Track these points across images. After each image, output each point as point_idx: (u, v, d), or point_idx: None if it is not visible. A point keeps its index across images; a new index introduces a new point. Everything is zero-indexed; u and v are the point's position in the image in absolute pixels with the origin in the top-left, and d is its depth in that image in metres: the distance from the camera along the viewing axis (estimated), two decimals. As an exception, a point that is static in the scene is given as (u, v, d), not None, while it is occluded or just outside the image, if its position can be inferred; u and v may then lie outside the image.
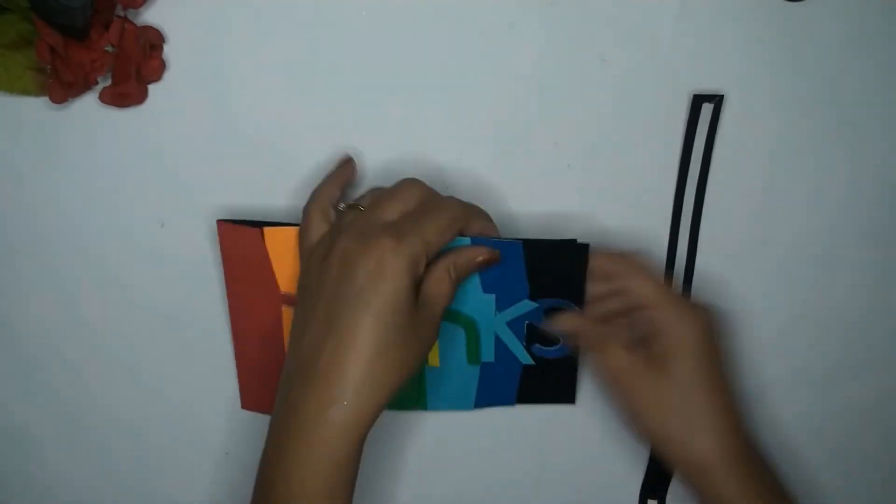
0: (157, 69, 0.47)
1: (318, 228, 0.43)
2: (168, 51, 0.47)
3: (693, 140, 0.48)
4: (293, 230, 0.45)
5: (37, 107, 0.47)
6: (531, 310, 0.47)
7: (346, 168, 0.47)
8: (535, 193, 0.49)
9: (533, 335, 0.48)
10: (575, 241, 0.46)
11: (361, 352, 0.38)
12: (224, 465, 0.51)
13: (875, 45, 0.48)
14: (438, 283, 0.42)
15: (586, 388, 0.51)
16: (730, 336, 0.50)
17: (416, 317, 0.40)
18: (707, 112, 0.48)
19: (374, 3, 0.47)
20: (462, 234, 0.43)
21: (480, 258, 0.44)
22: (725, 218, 0.49)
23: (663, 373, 0.44)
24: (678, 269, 0.50)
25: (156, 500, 0.51)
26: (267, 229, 0.46)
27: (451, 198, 0.44)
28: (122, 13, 0.46)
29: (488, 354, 0.48)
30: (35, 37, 0.44)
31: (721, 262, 0.50)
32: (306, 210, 0.44)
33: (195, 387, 0.50)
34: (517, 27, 0.48)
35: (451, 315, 0.47)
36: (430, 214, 0.42)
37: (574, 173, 0.49)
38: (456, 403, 0.49)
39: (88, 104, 0.47)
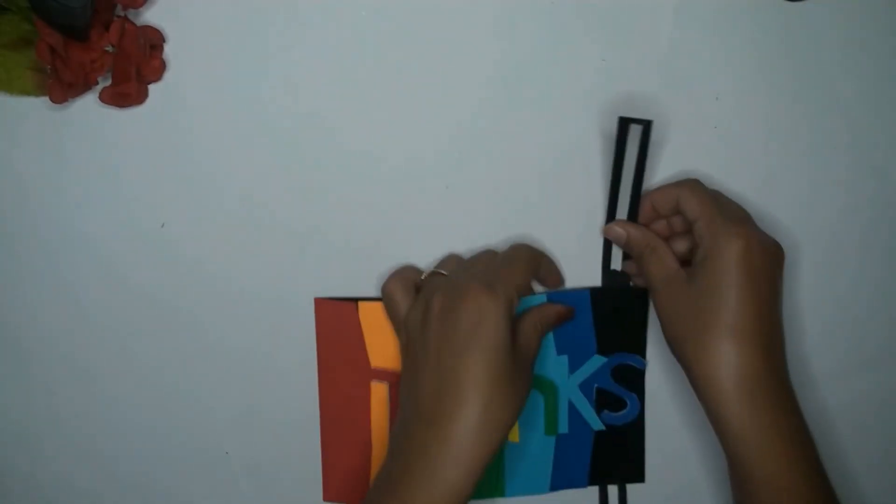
0: (157, 69, 0.47)
1: (405, 300, 0.45)
2: (168, 51, 0.47)
3: (622, 163, 0.47)
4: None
5: (37, 107, 0.47)
6: (600, 366, 0.49)
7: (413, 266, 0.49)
8: (536, 193, 0.49)
9: (602, 401, 0.50)
10: (638, 288, 0.49)
11: (478, 387, 0.40)
12: (224, 465, 0.51)
13: (875, 45, 0.48)
14: (527, 335, 0.44)
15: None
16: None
17: (517, 360, 0.42)
18: (636, 133, 0.47)
19: (374, 3, 0.47)
20: (535, 276, 0.47)
21: (560, 313, 0.47)
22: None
23: (693, 280, 0.44)
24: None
25: (156, 500, 0.51)
26: (361, 303, 0.48)
27: (517, 245, 0.48)
28: (122, 13, 0.46)
29: (563, 424, 0.49)
30: (35, 37, 0.44)
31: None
32: (385, 287, 0.46)
33: (195, 387, 0.50)
34: (518, 27, 0.48)
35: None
36: (509, 263, 0.45)
37: (576, 169, 0.49)
38: (532, 486, 0.50)
39: (88, 104, 0.47)
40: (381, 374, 0.48)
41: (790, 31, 0.48)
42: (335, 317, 0.48)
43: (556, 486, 0.50)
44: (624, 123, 0.46)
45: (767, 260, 0.44)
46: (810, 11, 0.48)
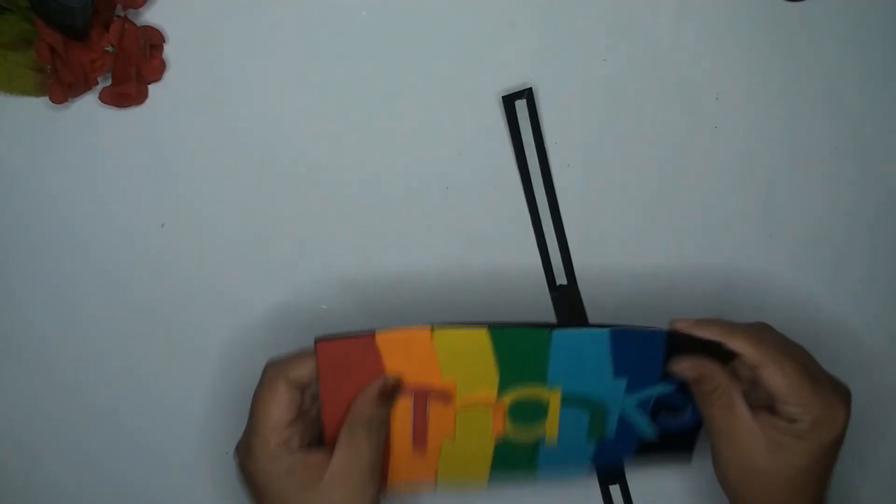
0: (157, 69, 0.47)
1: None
2: (168, 51, 0.47)
3: (521, 140, 0.47)
4: (411, 334, 0.42)
5: (37, 107, 0.47)
6: (665, 391, 0.45)
7: None
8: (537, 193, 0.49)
9: (659, 406, 0.46)
10: (720, 344, 0.43)
11: None
12: (224, 465, 0.51)
13: (875, 45, 0.48)
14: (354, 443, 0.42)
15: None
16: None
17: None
18: (522, 108, 0.47)
19: (374, 3, 0.47)
20: None
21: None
22: (724, 216, 0.49)
23: (783, 447, 0.41)
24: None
25: (156, 501, 0.51)
26: (379, 335, 0.42)
27: None
28: (122, 13, 0.46)
29: (610, 431, 0.46)
30: (35, 37, 0.44)
31: (722, 262, 0.50)
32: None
33: (195, 387, 0.50)
34: (518, 27, 0.48)
35: (577, 400, 0.45)
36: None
37: (573, 172, 0.49)
38: (571, 464, 0.47)
39: (88, 104, 0.47)
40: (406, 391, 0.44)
41: (790, 31, 0.48)
42: (346, 357, 0.42)
43: (597, 460, 0.47)
44: (509, 102, 0.47)
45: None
46: (810, 11, 0.48)
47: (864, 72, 0.49)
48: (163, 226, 0.49)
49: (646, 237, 0.50)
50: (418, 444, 0.45)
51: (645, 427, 0.46)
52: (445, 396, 0.44)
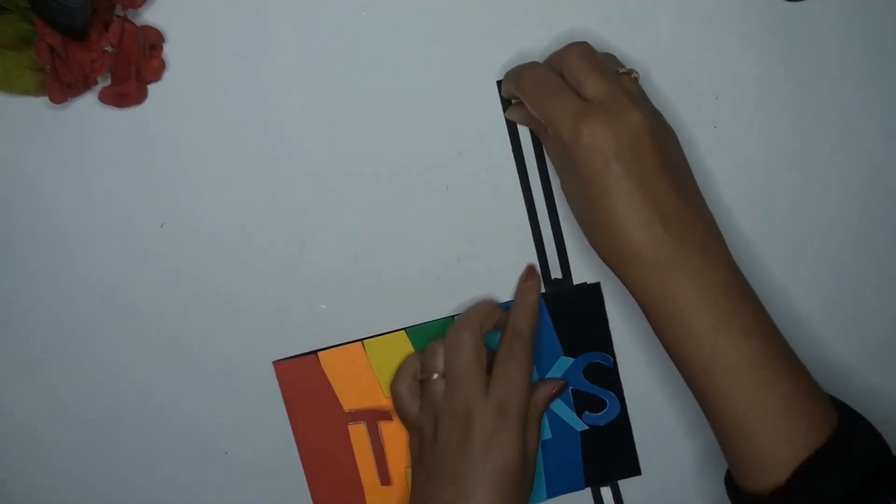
0: (156, 69, 0.47)
1: (412, 402, 0.47)
2: (168, 51, 0.47)
3: (517, 133, 0.48)
4: (347, 349, 0.49)
5: (37, 107, 0.47)
6: (569, 367, 0.49)
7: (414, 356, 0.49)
8: (538, 192, 0.49)
9: (581, 403, 0.50)
10: (589, 285, 0.49)
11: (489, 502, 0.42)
12: (224, 465, 0.51)
13: (875, 45, 0.48)
14: (531, 429, 0.45)
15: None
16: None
17: (525, 465, 0.44)
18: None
19: (374, 3, 0.47)
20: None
21: (551, 393, 0.48)
22: (723, 215, 0.49)
23: (562, 167, 0.43)
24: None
25: (156, 501, 0.51)
26: (321, 354, 0.49)
27: (517, 331, 0.46)
28: (121, 13, 0.46)
29: (545, 431, 0.49)
30: (35, 37, 0.44)
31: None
32: (392, 390, 0.48)
33: (195, 387, 0.50)
34: (520, 27, 0.48)
35: None
36: (511, 369, 0.44)
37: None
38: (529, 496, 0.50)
39: (88, 104, 0.47)
40: (356, 416, 0.49)
41: (790, 31, 0.48)
42: (298, 374, 0.49)
43: (553, 492, 0.50)
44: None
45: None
46: (810, 11, 0.48)
47: (864, 72, 0.49)
48: (162, 226, 0.49)
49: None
50: (384, 482, 0.50)
51: (573, 419, 0.49)
52: (389, 412, 0.49)
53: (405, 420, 0.47)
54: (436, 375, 0.45)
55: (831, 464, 0.38)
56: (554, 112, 0.41)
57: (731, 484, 0.43)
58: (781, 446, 0.39)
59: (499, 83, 0.48)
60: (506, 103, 0.48)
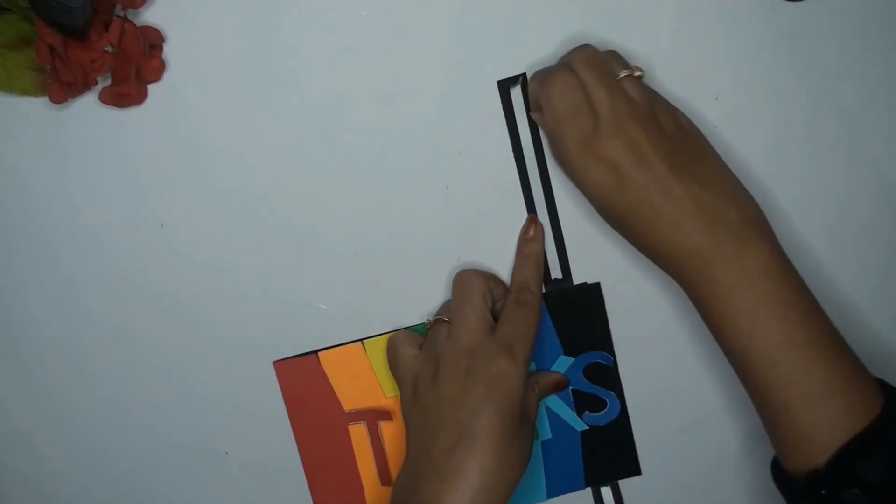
0: (156, 69, 0.47)
1: (410, 351, 0.46)
2: (168, 51, 0.47)
3: (517, 128, 0.48)
4: (347, 349, 0.49)
5: (37, 107, 0.47)
6: (569, 367, 0.49)
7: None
8: (538, 192, 0.49)
9: (581, 403, 0.50)
10: (589, 284, 0.49)
11: (493, 446, 0.41)
12: (224, 465, 0.51)
13: (875, 45, 0.48)
14: (529, 397, 0.45)
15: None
16: None
17: (525, 421, 0.44)
18: (518, 95, 0.48)
19: (374, 3, 0.47)
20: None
21: (557, 382, 0.49)
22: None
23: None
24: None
25: (156, 500, 0.51)
26: (321, 353, 0.49)
27: (526, 286, 0.46)
28: (121, 13, 0.46)
29: (545, 430, 0.49)
30: (35, 37, 0.44)
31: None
32: (392, 337, 0.48)
33: (195, 387, 0.50)
34: (520, 27, 0.48)
35: None
36: (518, 317, 0.45)
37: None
38: (529, 495, 0.50)
39: (88, 104, 0.47)
40: (356, 416, 0.49)
41: (790, 31, 0.48)
42: (298, 374, 0.49)
43: (553, 492, 0.50)
44: (504, 87, 0.47)
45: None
46: (810, 11, 0.48)
47: (864, 72, 0.49)
48: (162, 226, 0.49)
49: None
50: (384, 482, 0.50)
51: (573, 418, 0.49)
52: (390, 412, 0.49)
53: (399, 368, 0.46)
54: (445, 320, 0.46)
55: (873, 448, 0.38)
56: (567, 133, 0.43)
57: (777, 466, 0.43)
58: (820, 430, 0.39)
59: (501, 83, 0.48)
60: (529, 101, 0.48)
